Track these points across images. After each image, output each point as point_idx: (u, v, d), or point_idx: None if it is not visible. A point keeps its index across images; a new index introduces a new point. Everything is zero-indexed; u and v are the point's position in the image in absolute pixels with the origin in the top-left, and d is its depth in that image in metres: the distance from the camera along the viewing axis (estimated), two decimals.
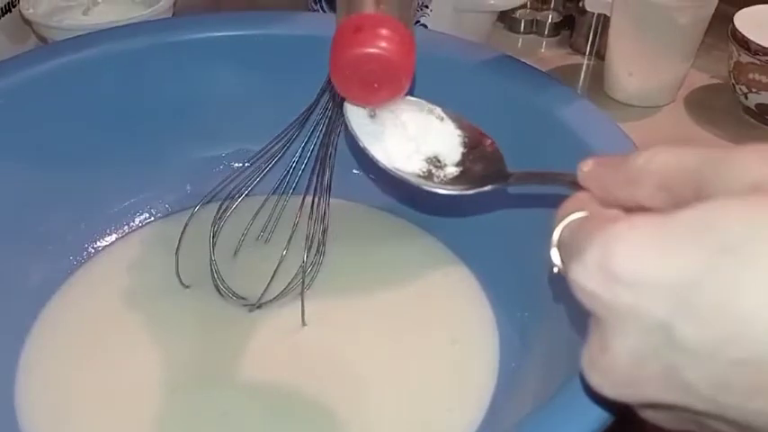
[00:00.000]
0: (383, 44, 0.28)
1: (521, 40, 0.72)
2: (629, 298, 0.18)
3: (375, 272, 0.44)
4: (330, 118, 0.44)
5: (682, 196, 0.20)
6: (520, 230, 0.40)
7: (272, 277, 0.40)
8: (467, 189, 0.28)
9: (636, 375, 0.19)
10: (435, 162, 0.29)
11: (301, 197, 0.44)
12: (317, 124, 0.45)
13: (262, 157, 0.45)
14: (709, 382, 0.17)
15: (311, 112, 0.45)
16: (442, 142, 0.30)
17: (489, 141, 0.29)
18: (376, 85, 0.29)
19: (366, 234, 0.46)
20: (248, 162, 0.45)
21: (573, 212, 0.23)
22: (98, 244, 0.45)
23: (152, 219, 0.47)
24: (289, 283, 0.41)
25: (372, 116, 0.30)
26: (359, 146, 0.30)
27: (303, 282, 0.40)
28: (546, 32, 0.71)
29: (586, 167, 0.24)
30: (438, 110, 0.31)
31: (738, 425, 0.18)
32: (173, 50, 0.47)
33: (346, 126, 0.31)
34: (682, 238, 0.18)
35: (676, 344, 0.18)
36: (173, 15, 0.54)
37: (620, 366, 0.19)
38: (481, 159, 0.29)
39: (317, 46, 0.46)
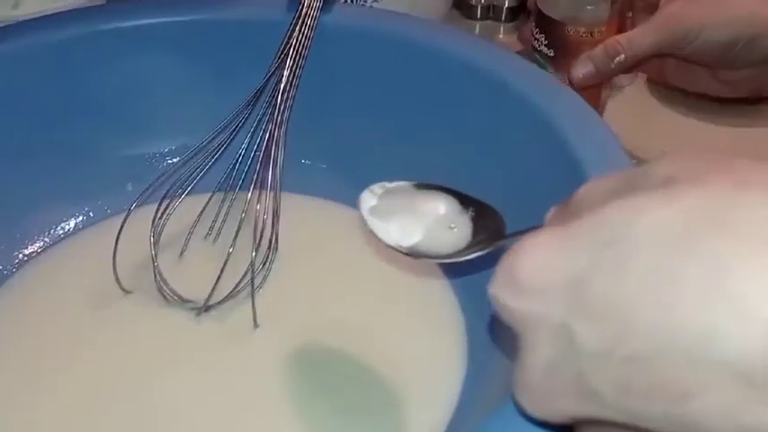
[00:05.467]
0: None
1: (477, 26, 0.70)
2: (533, 305, 0.18)
3: (331, 267, 0.41)
4: (277, 105, 0.42)
5: None
6: None
7: (219, 277, 0.37)
8: (469, 254, 0.28)
9: (552, 388, 0.18)
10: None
11: (248, 192, 0.41)
12: (264, 113, 0.43)
13: (205, 149, 0.42)
14: (612, 386, 0.17)
15: (257, 100, 0.43)
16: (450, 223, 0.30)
17: (493, 212, 0.29)
18: None
19: (320, 228, 0.43)
20: (191, 156, 0.42)
21: None
22: (30, 250, 0.42)
23: (89, 222, 0.44)
24: (238, 283, 0.38)
25: (380, 208, 0.30)
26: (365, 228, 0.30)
27: (252, 280, 0.37)
28: (503, 17, 0.70)
29: (548, 217, 0.24)
30: (442, 194, 0.30)
31: None
32: (106, 40, 0.44)
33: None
34: (575, 240, 0.18)
35: (577, 346, 0.17)
36: (107, 2, 0.51)
37: (537, 380, 0.19)
38: (484, 228, 0.29)
39: (260, 30, 0.44)
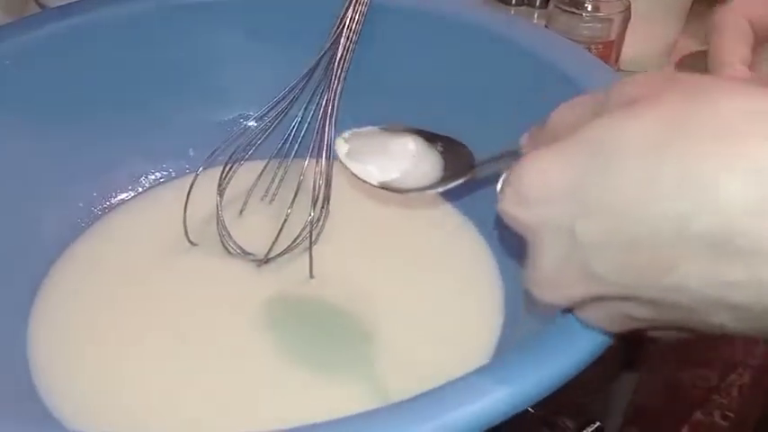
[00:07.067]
0: None
1: (512, 11, 0.73)
2: (539, 213, 0.22)
3: (379, 228, 0.44)
4: (332, 78, 0.45)
5: None
6: None
7: (279, 232, 0.41)
8: (446, 184, 0.31)
9: (561, 279, 0.22)
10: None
11: (304, 159, 0.45)
12: (318, 86, 0.46)
13: (264, 118, 0.46)
14: (613, 269, 0.21)
15: (312, 74, 0.46)
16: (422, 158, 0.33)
17: (460, 144, 0.32)
18: None
19: (367, 193, 0.47)
20: (250, 124, 0.46)
21: None
22: (105, 205, 0.46)
23: (156, 182, 0.48)
24: (295, 238, 0.41)
25: (354, 152, 0.33)
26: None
27: (311, 234, 0.40)
28: (537, 3, 0.72)
29: (524, 140, 0.28)
30: (409, 134, 0.33)
31: (653, 303, 0.21)
32: (175, 13, 0.48)
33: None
34: (567, 155, 0.21)
35: (579, 242, 0.21)
36: None
37: (547, 276, 0.22)
38: (455, 160, 0.31)
39: (321, 8, 0.47)
